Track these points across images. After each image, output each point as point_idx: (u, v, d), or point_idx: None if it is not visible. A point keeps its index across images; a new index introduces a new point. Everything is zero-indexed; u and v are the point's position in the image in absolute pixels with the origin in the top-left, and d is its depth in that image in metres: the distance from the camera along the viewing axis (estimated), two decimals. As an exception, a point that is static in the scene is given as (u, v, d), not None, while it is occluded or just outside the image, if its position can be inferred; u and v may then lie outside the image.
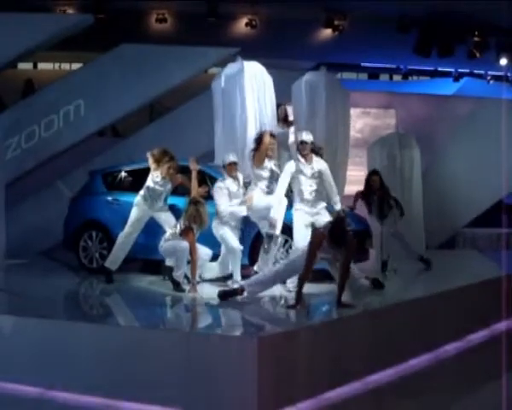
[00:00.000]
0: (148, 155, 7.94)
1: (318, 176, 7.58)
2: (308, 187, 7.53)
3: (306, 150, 7.56)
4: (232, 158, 7.72)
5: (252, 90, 8.05)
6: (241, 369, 4.92)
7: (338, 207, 7.58)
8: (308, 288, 7.14)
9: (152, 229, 7.96)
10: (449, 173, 11.82)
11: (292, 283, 7.19)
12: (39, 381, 5.54)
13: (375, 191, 8.85)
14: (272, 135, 7.70)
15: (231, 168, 7.71)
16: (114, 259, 7.95)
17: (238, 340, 5.18)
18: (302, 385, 5.25)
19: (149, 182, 7.91)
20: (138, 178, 8.41)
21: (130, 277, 8.19)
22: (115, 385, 5.29)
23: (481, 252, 11.37)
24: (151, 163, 7.92)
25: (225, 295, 6.65)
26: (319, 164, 7.62)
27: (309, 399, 5.18)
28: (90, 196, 8.26)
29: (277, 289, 7.22)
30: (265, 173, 7.63)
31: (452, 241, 12.61)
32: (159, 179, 7.92)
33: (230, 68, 8.36)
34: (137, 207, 7.93)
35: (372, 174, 9.04)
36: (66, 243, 9.10)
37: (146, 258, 8.57)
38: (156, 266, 8.09)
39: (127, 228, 7.90)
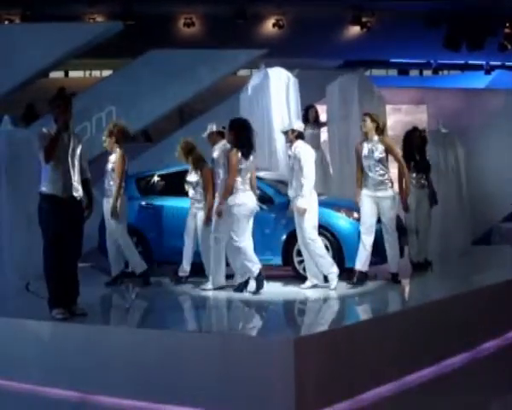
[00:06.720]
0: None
1: (294, 160, 7.27)
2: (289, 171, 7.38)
3: (290, 136, 7.33)
4: None
5: (278, 95, 8.09)
6: (278, 371, 4.93)
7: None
8: (342, 288, 7.20)
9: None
10: (483, 167, 11.66)
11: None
12: (79, 385, 5.62)
13: (416, 149, 8.51)
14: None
15: None
16: (133, 262, 8.02)
17: (275, 342, 5.18)
18: (339, 386, 5.24)
19: None
20: (171, 182, 8.48)
21: (165, 281, 8.24)
22: (154, 389, 5.34)
23: (517, 247, 11.19)
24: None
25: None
26: (298, 148, 7.31)
27: (346, 400, 5.17)
28: (123, 201, 8.36)
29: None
30: None
31: (488, 236, 12.43)
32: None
33: (256, 78, 8.46)
34: None
35: (413, 131, 8.66)
36: (101, 247, 9.21)
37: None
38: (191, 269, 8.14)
39: None
